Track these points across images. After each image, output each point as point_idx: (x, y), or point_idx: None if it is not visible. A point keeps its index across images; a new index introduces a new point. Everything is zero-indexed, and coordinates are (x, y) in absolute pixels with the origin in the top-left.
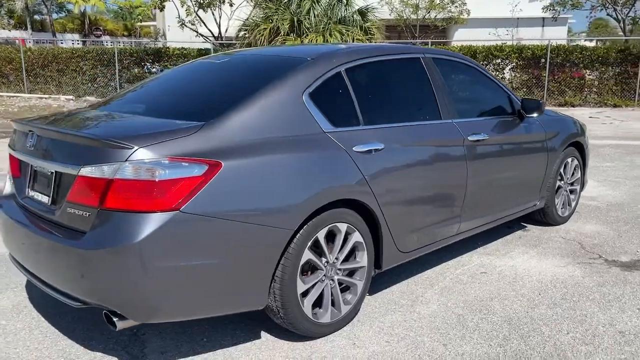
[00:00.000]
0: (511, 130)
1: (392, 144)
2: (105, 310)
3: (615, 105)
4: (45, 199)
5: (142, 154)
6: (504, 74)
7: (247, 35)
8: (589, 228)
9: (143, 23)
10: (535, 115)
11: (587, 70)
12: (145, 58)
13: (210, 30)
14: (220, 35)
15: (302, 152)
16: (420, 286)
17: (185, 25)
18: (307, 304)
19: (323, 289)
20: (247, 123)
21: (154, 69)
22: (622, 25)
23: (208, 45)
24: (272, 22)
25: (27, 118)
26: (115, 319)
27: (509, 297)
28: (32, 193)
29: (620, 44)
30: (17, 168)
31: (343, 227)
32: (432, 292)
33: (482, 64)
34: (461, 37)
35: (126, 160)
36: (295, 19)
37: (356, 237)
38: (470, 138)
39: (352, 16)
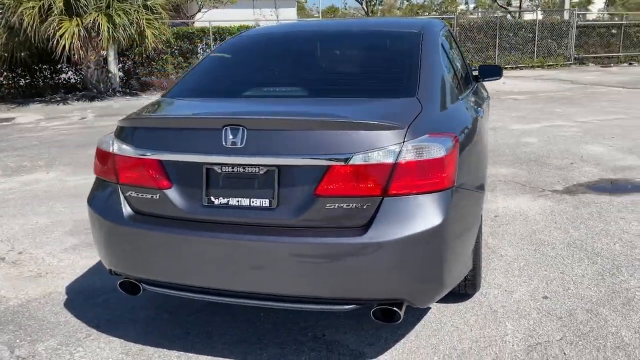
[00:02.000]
0: (482, 92)
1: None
2: (381, 305)
3: None
4: (262, 202)
5: (412, 133)
6: None
7: (1, 15)
8: (505, 171)
9: None
10: (495, 79)
11: None
12: None
13: None
14: None
15: (470, 119)
16: None
17: None
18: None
19: None
20: (434, 96)
21: None
22: (365, 6)
23: None
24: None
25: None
26: (397, 310)
27: (541, 229)
28: (221, 200)
29: None
30: (165, 176)
31: None
32: (488, 239)
33: None
34: (210, 18)
35: (404, 141)
36: None
37: None
38: (482, 106)
39: None
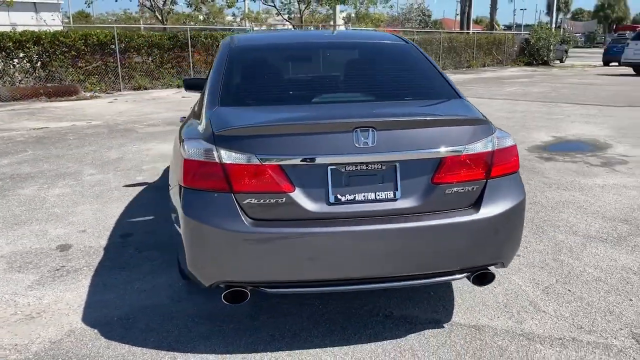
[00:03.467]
0: None
1: None
2: (481, 270)
3: (179, 86)
4: (386, 194)
5: (492, 127)
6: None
7: None
8: None
9: None
10: None
11: (147, 55)
12: None
13: None
14: None
15: None
16: None
17: None
18: None
19: None
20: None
21: None
22: (161, 15)
23: None
24: None
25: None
26: (492, 272)
27: None
28: (347, 197)
29: (171, 32)
30: (287, 180)
31: None
32: None
33: (43, 51)
34: None
35: (493, 133)
36: None
37: None
38: None
39: None
